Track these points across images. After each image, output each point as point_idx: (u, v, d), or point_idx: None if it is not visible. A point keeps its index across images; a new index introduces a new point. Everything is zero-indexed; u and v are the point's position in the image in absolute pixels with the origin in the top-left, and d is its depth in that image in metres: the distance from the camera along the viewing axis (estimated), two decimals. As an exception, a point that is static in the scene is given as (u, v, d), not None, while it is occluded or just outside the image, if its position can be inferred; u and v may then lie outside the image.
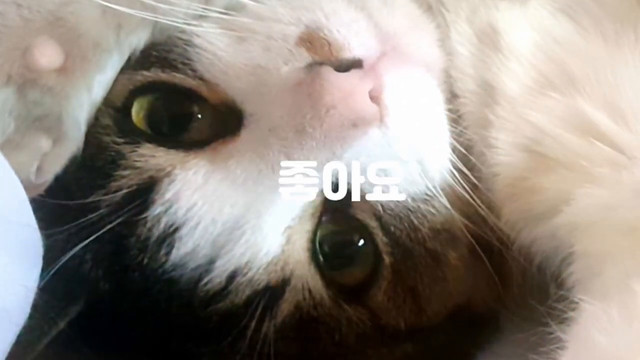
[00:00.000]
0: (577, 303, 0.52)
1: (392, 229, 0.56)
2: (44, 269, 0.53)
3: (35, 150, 0.54)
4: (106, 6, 0.53)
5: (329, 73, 0.51)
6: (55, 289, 0.54)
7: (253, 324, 0.54)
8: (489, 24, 0.60)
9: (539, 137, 0.57)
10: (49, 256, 0.54)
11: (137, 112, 0.56)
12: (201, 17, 0.56)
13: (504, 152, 0.58)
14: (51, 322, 0.55)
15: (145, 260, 0.54)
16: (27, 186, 0.52)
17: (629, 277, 0.48)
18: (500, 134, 0.58)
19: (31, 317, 0.51)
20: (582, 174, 0.55)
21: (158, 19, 0.54)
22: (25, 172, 0.53)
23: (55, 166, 0.55)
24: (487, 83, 0.59)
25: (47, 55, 0.53)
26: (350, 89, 0.51)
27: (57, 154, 0.55)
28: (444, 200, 0.57)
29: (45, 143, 0.54)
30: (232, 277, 0.54)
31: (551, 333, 0.51)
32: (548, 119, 0.57)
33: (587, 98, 0.56)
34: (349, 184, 0.55)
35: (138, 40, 0.56)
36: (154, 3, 0.53)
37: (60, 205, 0.55)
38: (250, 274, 0.54)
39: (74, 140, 0.55)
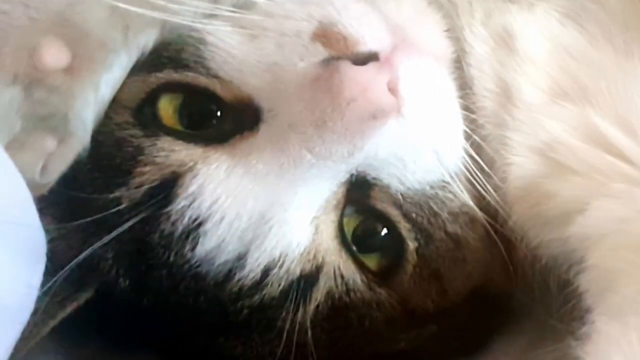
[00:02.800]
0: (585, 314, 0.53)
1: (414, 215, 0.58)
2: (62, 264, 0.55)
3: (40, 150, 0.54)
4: (114, 6, 0.54)
5: (347, 67, 0.52)
6: (67, 276, 0.55)
7: (289, 314, 0.56)
8: (504, 28, 0.61)
9: (554, 144, 0.58)
10: (67, 250, 0.56)
11: (166, 110, 0.57)
12: (211, 15, 0.56)
13: (518, 153, 0.59)
14: (58, 306, 0.56)
15: (172, 258, 0.56)
16: (32, 185, 0.52)
17: None
18: (516, 135, 0.59)
19: (39, 299, 0.52)
20: (596, 185, 0.55)
21: (167, 19, 0.55)
22: (31, 172, 0.53)
23: (61, 166, 0.55)
24: (505, 84, 0.60)
25: (54, 55, 0.53)
26: (369, 82, 0.52)
27: (62, 154, 0.55)
28: (461, 186, 0.59)
29: (50, 143, 0.54)
30: (267, 270, 0.55)
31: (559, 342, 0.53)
32: (562, 127, 0.58)
33: (598, 110, 0.57)
34: (367, 177, 0.57)
35: (147, 40, 0.57)
36: (163, 3, 0.53)
37: (80, 200, 0.56)
38: (285, 266, 0.55)
39: (79, 140, 0.55)
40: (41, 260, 0.52)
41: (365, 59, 0.53)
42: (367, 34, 0.55)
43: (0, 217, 0.49)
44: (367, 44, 0.54)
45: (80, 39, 0.54)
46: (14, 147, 0.53)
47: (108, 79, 0.56)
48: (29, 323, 0.51)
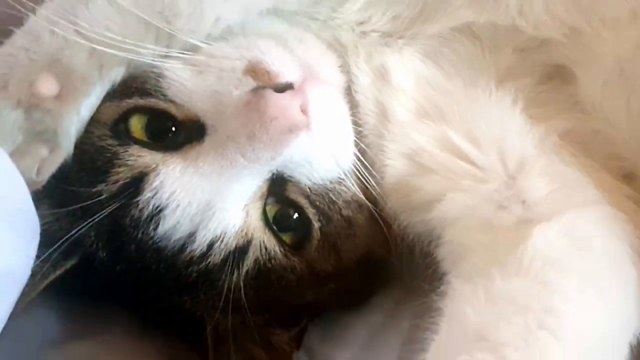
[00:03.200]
0: (443, 277, 0.61)
1: (318, 203, 0.66)
2: (54, 239, 0.61)
3: (36, 157, 0.61)
4: (92, 50, 0.60)
5: (270, 94, 0.60)
6: (58, 248, 0.61)
7: (227, 277, 0.62)
8: (381, 65, 0.68)
9: (419, 151, 0.65)
10: (58, 230, 0.62)
11: (136, 127, 0.63)
12: (167, 56, 0.64)
13: (392, 157, 0.66)
14: (50, 269, 0.62)
15: (139, 235, 0.62)
16: (30, 183, 0.58)
17: (489, 266, 0.57)
18: (390, 144, 0.66)
19: (35, 266, 0.58)
20: (451, 182, 0.63)
21: (133, 58, 0.62)
22: (29, 173, 0.60)
23: (51, 168, 0.62)
24: (382, 106, 0.68)
25: (47, 87, 0.59)
26: (287, 105, 0.60)
27: (52, 159, 0.62)
28: (352, 181, 0.67)
29: (44, 151, 0.61)
30: (211, 244, 0.62)
31: (425, 300, 0.60)
32: (425, 139, 0.65)
33: (452, 127, 0.64)
34: (284, 175, 0.64)
35: (116, 74, 0.63)
36: (128, 47, 0.60)
37: (70, 192, 0.62)
38: (224, 241, 0.62)
39: (65, 149, 0.63)
40: (36, 237, 0.58)
41: (283, 87, 0.61)
42: (285, 70, 0.62)
43: (7, 207, 0.55)
44: (285, 77, 0.62)
45: (67, 75, 0.60)
46: (16, 154, 0.59)
47: (87, 104, 0.63)
48: (27, 283, 0.58)
